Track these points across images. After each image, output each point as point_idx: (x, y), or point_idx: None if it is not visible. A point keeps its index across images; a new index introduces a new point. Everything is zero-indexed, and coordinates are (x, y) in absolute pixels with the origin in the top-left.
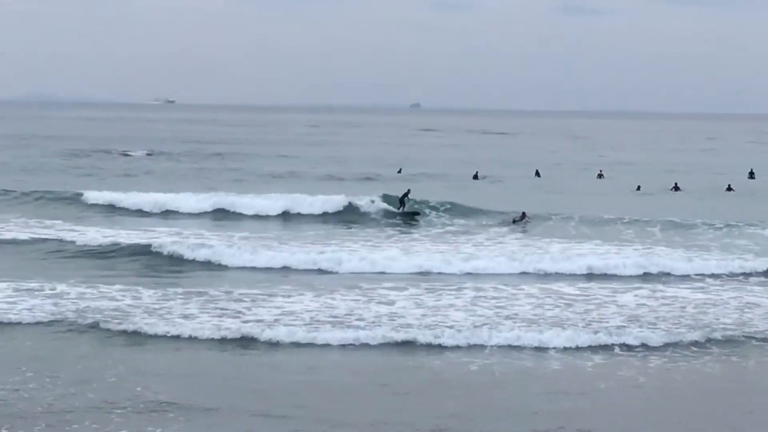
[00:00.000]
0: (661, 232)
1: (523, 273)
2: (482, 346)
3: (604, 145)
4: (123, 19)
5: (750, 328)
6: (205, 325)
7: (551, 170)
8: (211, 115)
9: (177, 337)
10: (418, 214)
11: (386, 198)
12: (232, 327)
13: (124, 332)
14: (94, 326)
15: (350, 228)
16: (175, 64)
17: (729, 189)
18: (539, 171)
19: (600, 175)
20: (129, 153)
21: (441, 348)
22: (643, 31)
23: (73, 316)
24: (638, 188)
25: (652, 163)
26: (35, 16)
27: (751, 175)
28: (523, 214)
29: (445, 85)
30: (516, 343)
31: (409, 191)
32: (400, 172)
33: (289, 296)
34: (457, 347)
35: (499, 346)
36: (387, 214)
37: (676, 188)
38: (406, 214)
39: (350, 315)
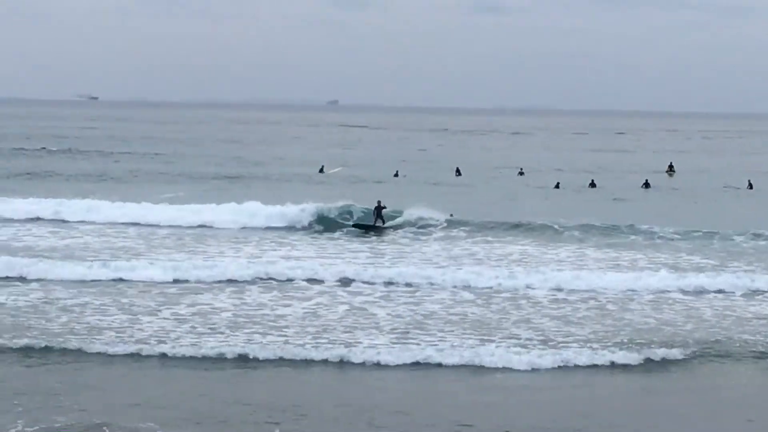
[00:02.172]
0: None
1: None
2: None
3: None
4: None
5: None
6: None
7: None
8: (131, 112)
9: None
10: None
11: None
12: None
13: None
14: None
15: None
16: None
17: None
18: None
19: (521, 173)
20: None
21: None
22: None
23: None
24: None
25: (568, 162)
26: None
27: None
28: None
29: (362, 82)
30: None
31: (380, 202)
32: (396, 175)
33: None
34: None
35: None
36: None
37: (593, 185)
38: (377, 228)
39: None
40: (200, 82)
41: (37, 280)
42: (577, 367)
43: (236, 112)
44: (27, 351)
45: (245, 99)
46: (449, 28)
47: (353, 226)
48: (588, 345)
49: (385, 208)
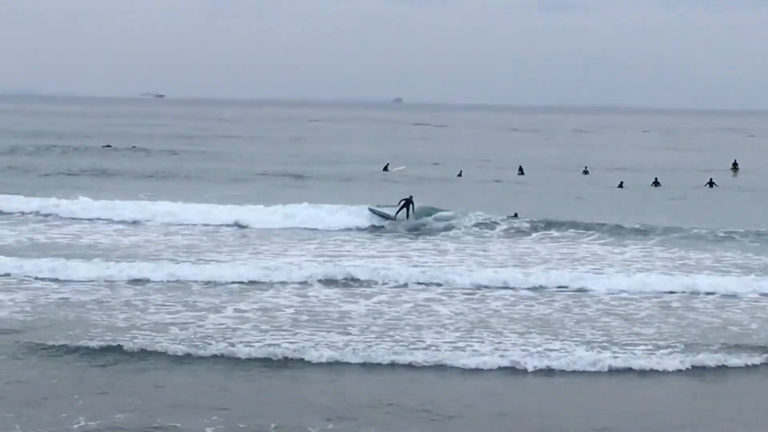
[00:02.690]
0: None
1: None
2: None
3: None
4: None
5: None
6: None
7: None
8: (196, 110)
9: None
10: (423, 225)
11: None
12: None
13: None
14: None
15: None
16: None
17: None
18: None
19: (585, 172)
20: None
21: None
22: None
23: None
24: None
25: (632, 160)
26: (15, 11)
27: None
28: None
29: (426, 80)
30: None
31: (411, 197)
32: (460, 175)
33: None
34: None
35: None
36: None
37: (657, 183)
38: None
39: None
40: (266, 81)
41: (100, 279)
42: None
43: (301, 110)
44: (90, 349)
45: (310, 97)
46: (513, 25)
47: (369, 209)
48: (701, 348)
49: (413, 204)
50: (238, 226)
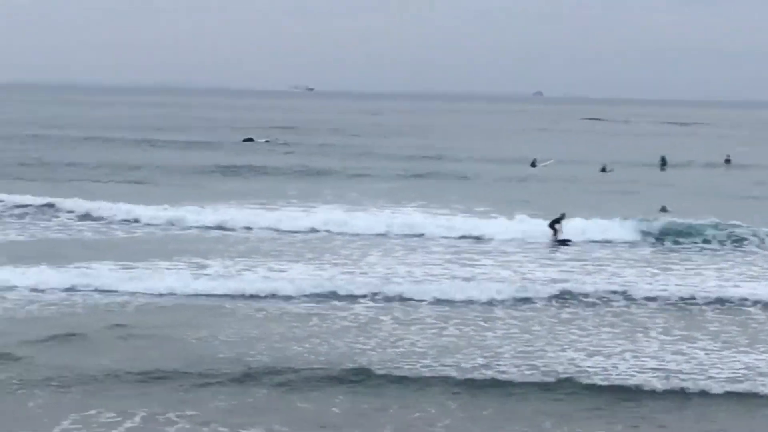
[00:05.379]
0: None
1: None
2: None
3: None
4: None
5: None
6: None
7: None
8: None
9: None
10: (569, 241)
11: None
12: None
13: None
14: None
15: None
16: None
17: None
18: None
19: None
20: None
21: None
22: None
23: None
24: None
25: None
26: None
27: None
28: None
29: (567, 73)
30: None
31: (563, 216)
32: (604, 170)
33: None
34: None
35: None
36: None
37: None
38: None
39: None
40: (412, 74)
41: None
42: None
43: (446, 104)
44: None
45: (454, 91)
46: (657, 16)
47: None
48: None
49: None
50: (476, 238)
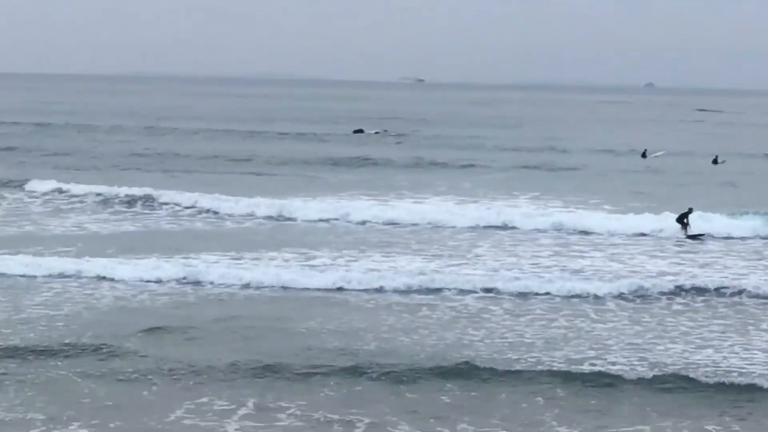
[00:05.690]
0: None
1: None
2: None
3: None
4: None
5: None
6: None
7: None
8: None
9: None
10: (701, 235)
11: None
12: None
13: None
14: None
15: None
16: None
17: None
18: None
19: None
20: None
21: None
22: None
23: None
24: None
25: None
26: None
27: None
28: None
29: (679, 64)
30: None
31: (691, 210)
32: (716, 162)
33: None
34: None
35: None
36: None
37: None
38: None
39: None
40: (526, 64)
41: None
42: None
43: (557, 95)
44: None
45: (564, 81)
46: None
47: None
48: None
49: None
50: (584, 233)
